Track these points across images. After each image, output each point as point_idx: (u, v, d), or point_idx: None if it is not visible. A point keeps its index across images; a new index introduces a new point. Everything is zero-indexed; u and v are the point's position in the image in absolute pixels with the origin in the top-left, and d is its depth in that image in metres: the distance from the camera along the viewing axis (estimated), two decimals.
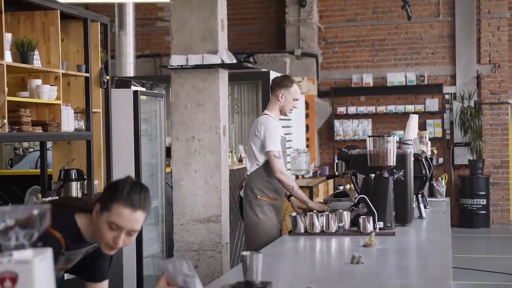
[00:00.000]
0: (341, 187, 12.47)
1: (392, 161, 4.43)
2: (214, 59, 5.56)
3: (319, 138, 13.14)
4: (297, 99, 5.37)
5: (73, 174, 5.46)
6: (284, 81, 5.33)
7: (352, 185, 12.28)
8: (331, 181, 11.48)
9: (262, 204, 5.21)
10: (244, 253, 2.77)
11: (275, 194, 5.28)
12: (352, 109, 12.93)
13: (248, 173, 5.31)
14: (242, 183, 5.43)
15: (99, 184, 5.90)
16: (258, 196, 5.21)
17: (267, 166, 5.21)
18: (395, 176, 4.50)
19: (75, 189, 5.46)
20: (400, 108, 12.71)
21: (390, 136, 4.47)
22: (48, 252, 1.82)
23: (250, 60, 5.92)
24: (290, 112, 5.46)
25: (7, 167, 8.87)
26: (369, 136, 4.52)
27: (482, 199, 12.28)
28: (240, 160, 8.05)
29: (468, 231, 12.01)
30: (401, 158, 4.58)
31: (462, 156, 12.62)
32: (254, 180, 5.25)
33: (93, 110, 5.79)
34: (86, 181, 5.63)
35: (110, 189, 2.62)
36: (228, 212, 5.81)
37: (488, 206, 12.36)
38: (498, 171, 12.65)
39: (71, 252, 2.69)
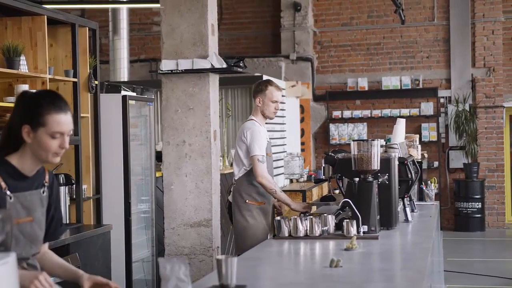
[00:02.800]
0: (337, 191, 12.47)
1: (376, 165, 4.44)
2: (204, 64, 5.58)
3: (314, 142, 13.15)
4: (275, 101, 5.43)
5: (61, 178, 5.47)
6: (259, 86, 5.46)
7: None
8: (325, 185, 11.49)
9: (251, 208, 5.29)
10: (219, 257, 2.79)
11: (263, 198, 5.35)
12: (347, 113, 12.94)
13: (236, 178, 5.40)
14: (230, 188, 5.49)
15: (87, 189, 5.91)
16: (247, 201, 5.32)
17: None
18: (380, 180, 4.52)
19: (63, 194, 5.47)
20: (395, 112, 12.72)
21: (374, 140, 4.48)
22: (11, 257, 1.84)
23: (240, 64, 5.94)
24: (274, 115, 5.51)
25: None
26: (353, 140, 4.54)
27: (477, 203, 12.29)
28: (232, 164, 8.06)
29: (463, 235, 12.02)
30: (386, 162, 4.59)
31: (457, 160, 12.63)
32: (242, 185, 5.35)
33: (82, 115, 5.81)
34: (74, 185, 5.65)
35: (31, 106, 2.71)
36: (219, 216, 5.83)
37: (483, 209, 12.37)
38: (493, 175, 12.66)
39: (21, 195, 2.72)
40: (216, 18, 5.88)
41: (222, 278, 2.79)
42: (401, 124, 5.63)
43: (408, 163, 5.09)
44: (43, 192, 2.84)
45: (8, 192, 2.68)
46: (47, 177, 2.88)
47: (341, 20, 13.19)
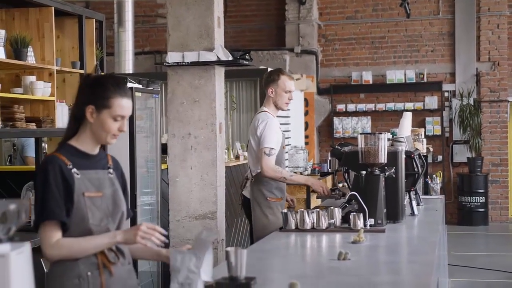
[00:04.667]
0: (340, 184, 12.47)
1: (383, 158, 4.44)
2: (210, 56, 5.56)
3: (318, 136, 13.16)
4: (288, 91, 5.25)
5: None
6: (271, 76, 5.29)
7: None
8: (330, 178, 11.50)
9: (272, 205, 5.15)
10: (229, 249, 2.79)
11: (281, 193, 5.25)
12: (351, 107, 12.95)
13: (254, 174, 5.22)
14: (244, 183, 5.34)
15: None
16: (268, 198, 5.16)
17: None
18: (386, 173, 4.52)
19: None
20: (400, 105, 12.72)
21: (381, 133, 4.48)
22: (26, 246, 1.85)
23: (246, 57, 5.93)
24: (287, 106, 5.34)
25: (6, 163, 8.89)
26: (360, 133, 4.53)
27: (481, 197, 12.29)
28: (237, 157, 8.07)
29: (467, 229, 12.03)
30: (393, 156, 4.59)
31: (461, 154, 12.63)
32: (262, 181, 5.17)
33: None
34: None
35: (97, 88, 2.83)
36: (224, 209, 5.82)
37: (486, 203, 12.37)
38: (497, 169, 12.65)
39: (87, 172, 2.85)
40: (222, 11, 5.87)
41: (232, 270, 2.79)
42: (407, 118, 5.62)
43: (415, 156, 5.10)
44: (110, 174, 2.94)
45: (74, 169, 2.80)
46: (110, 160, 2.99)
47: (346, 13, 13.17)
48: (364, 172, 4.44)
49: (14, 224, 1.83)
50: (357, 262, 3.31)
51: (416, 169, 5.08)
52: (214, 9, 5.65)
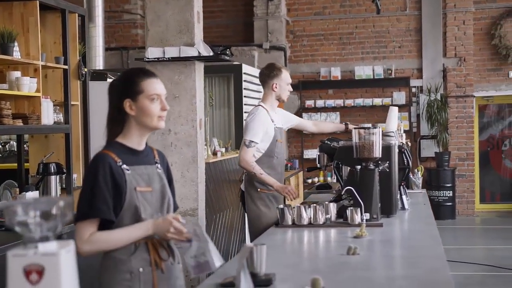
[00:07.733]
0: (309, 180, 12.52)
1: (377, 152, 4.45)
2: (191, 52, 5.53)
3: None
4: (289, 83, 5.40)
5: (52, 167, 5.37)
6: (273, 71, 5.35)
7: (323, 178, 12.27)
8: (301, 174, 11.55)
9: (263, 197, 5.23)
10: (249, 244, 2.77)
11: None
12: (320, 103, 12.98)
13: None
14: (242, 177, 5.40)
15: (77, 178, 5.82)
16: (259, 189, 5.23)
17: (265, 158, 5.20)
18: (380, 167, 4.53)
19: (54, 183, 5.37)
20: (368, 101, 12.80)
21: (376, 127, 4.49)
22: (72, 245, 1.80)
23: (227, 52, 5.91)
24: (287, 95, 5.46)
25: None
26: (354, 128, 4.54)
27: (448, 191, 12.44)
28: (215, 154, 8.01)
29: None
30: (386, 150, 4.61)
31: (429, 149, 12.77)
32: None
33: (72, 102, 5.70)
34: (65, 175, 5.55)
35: (126, 82, 2.89)
36: (204, 206, 5.79)
37: (454, 197, 12.53)
38: (464, 163, 12.82)
39: (137, 168, 2.84)
40: (201, 6, 5.83)
41: (251, 266, 2.77)
42: (394, 112, 5.62)
43: (405, 150, 5.13)
44: (158, 169, 2.94)
45: (124, 166, 2.80)
46: (156, 155, 2.99)
47: (314, 9, 13.20)
48: (359, 167, 4.45)
49: (61, 221, 1.78)
50: (367, 256, 3.31)
51: (406, 163, 5.11)
52: (194, 4, 5.61)
